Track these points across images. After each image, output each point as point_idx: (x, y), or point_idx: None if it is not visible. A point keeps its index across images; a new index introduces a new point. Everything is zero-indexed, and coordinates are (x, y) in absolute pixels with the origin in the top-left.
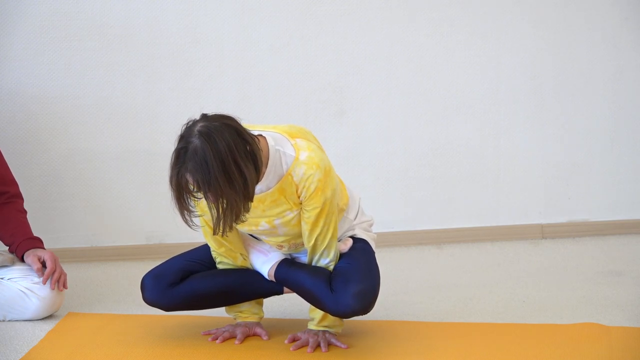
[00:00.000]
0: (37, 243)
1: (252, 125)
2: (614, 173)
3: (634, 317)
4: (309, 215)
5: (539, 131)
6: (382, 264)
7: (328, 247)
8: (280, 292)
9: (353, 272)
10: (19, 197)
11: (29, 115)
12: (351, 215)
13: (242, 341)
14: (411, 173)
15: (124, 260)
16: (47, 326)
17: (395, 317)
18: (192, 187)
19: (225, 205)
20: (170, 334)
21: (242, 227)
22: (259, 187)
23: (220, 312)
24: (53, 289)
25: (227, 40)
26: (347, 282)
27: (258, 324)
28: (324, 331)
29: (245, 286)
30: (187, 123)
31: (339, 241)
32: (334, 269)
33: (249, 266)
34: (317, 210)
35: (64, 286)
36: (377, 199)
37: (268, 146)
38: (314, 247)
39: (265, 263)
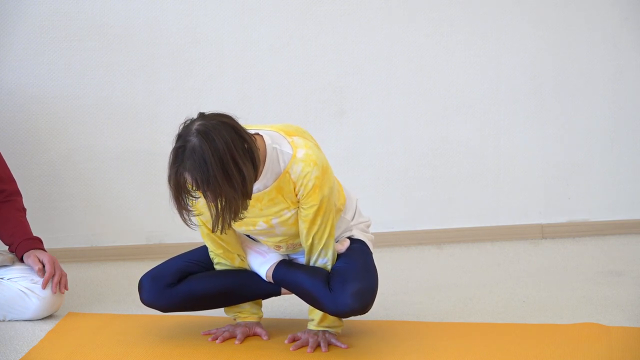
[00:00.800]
0: (37, 243)
1: (248, 124)
2: (614, 173)
3: (634, 317)
4: (306, 213)
5: (539, 131)
6: (382, 264)
7: (325, 246)
8: (279, 293)
9: (351, 271)
10: (17, 194)
11: (28, 115)
12: (348, 216)
13: (242, 341)
14: (411, 173)
15: (124, 260)
16: (47, 326)
17: (395, 317)
18: (190, 186)
19: (224, 203)
20: (170, 334)
21: (240, 227)
22: (256, 186)
23: (219, 312)
24: (55, 293)
25: (227, 40)
26: (345, 281)
27: (258, 323)
28: (323, 331)
29: (243, 287)
30: (185, 122)
31: (336, 242)
32: (332, 269)
33: (247, 267)
34: (315, 208)
35: (65, 288)
36: (377, 199)
37: (265, 144)
38: (312, 246)
39: (263, 264)
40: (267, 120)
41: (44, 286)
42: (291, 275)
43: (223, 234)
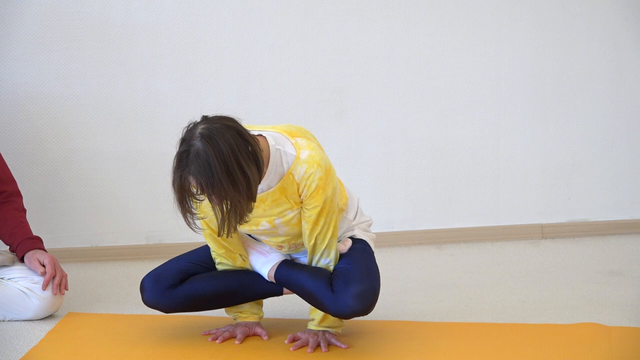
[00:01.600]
0: (37, 243)
1: (251, 125)
2: (614, 173)
3: (634, 317)
4: (309, 214)
5: (539, 131)
6: (382, 264)
7: (328, 246)
8: (280, 293)
9: (353, 272)
10: (17, 195)
11: (28, 115)
12: (350, 216)
13: (242, 341)
14: (411, 173)
15: (124, 260)
16: (47, 326)
17: (395, 317)
18: (194, 189)
19: (229, 207)
20: (170, 334)
21: (243, 228)
22: (260, 187)
23: (220, 312)
24: (55, 294)
25: (227, 40)
26: (347, 282)
27: (258, 324)
28: (324, 331)
29: (245, 288)
30: (188, 126)
31: (338, 242)
32: (334, 269)
33: (249, 267)
34: (318, 209)
35: (65, 288)
36: (377, 199)
37: (268, 146)
38: (314, 247)
39: (265, 264)
40: (267, 121)
41: (45, 287)
42: (293, 276)
43: (229, 237)
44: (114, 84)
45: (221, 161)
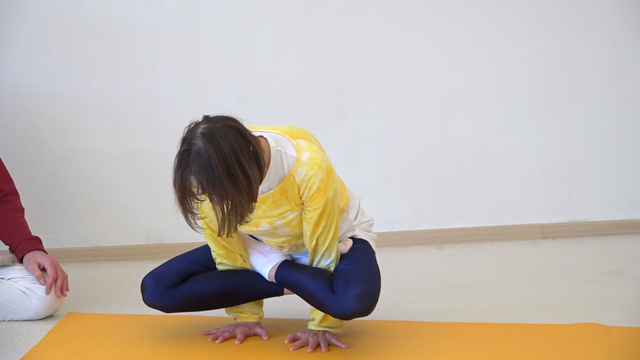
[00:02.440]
0: (37, 243)
1: (252, 126)
2: (614, 173)
3: (634, 317)
4: (310, 216)
5: (539, 131)
6: (382, 264)
7: (329, 247)
8: (281, 294)
9: (354, 273)
10: (14, 194)
11: (28, 115)
12: (351, 216)
13: (242, 341)
14: (411, 173)
15: (124, 260)
16: (47, 326)
17: (395, 317)
18: (195, 189)
19: (229, 207)
20: (170, 334)
21: (243, 228)
22: (260, 188)
23: (220, 312)
24: (58, 296)
25: (227, 40)
26: (348, 283)
27: (258, 324)
28: (324, 331)
29: (245, 288)
30: (189, 125)
31: (339, 242)
32: (335, 270)
33: (249, 267)
34: (319, 210)
35: (66, 289)
36: (377, 199)
37: (269, 147)
38: (315, 248)
39: (265, 264)
40: (267, 121)
41: (48, 291)
42: (293, 276)
43: (229, 237)
44: (114, 84)
45: (222, 161)
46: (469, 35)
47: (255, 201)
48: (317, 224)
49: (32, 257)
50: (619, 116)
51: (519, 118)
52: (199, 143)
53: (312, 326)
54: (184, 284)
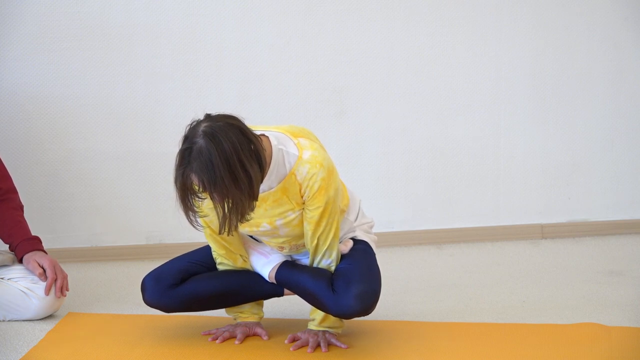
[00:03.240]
0: (36, 244)
1: (253, 125)
2: (614, 173)
3: (634, 317)
4: (311, 215)
5: (539, 131)
6: (382, 264)
7: (330, 247)
8: (281, 294)
9: (355, 273)
10: (13, 192)
11: (28, 115)
12: (352, 217)
13: (242, 341)
14: (411, 173)
15: (124, 260)
16: (47, 326)
17: (395, 317)
18: (197, 187)
19: (230, 205)
20: (170, 334)
21: (244, 228)
22: (261, 187)
23: (220, 312)
24: (58, 297)
25: (227, 40)
26: (348, 283)
27: (258, 324)
28: (324, 331)
29: (245, 288)
30: (191, 124)
31: (339, 242)
32: (336, 270)
33: (249, 268)
34: (320, 209)
35: (66, 289)
36: (377, 199)
37: (271, 146)
38: (316, 248)
39: (265, 265)
40: (268, 121)
41: (47, 292)
42: (294, 276)
43: (230, 235)
44: (114, 84)
45: (223, 159)
46: (469, 35)
47: (257, 199)
48: (318, 223)
49: (31, 256)
50: (619, 116)
51: (519, 118)
52: (200, 141)
53: (312, 326)
54: (184, 284)
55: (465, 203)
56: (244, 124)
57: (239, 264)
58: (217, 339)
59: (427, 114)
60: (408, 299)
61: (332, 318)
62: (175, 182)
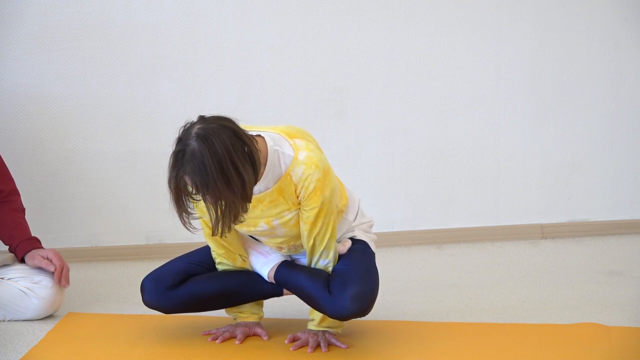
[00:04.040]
0: (36, 243)
1: (250, 125)
2: (614, 173)
3: (634, 317)
4: (307, 215)
5: (539, 131)
6: (382, 264)
7: (327, 247)
8: (280, 294)
9: (351, 274)
10: (15, 194)
11: (28, 115)
12: (350, 217)
13: (242, 341)
14: (411, 173)
15: (124, 260)
16: (47, 326)
17: (395, 317)
18: (190, 189)
19: (223, 207)
20: (170, 334)
21: (241, 228)
22: (257, 188)
23: (220, 312)
24: (64, 286)
25: (227, 40)
26: (345, 284)
27: (258, 324)
28: (324, 331)
29: (245, 288)
30: (185, 125)
31: (338, 242)
32: (333, 270)
33: (249, 267)
34: (316, 210)
35: (67, 281)
36: (377, 199)
37: (267, 146)
38: (313, 248)
39: (265, 265)
40: (267, 121)
41: (57, 279)
42: (292, 277)
43: (223, 236)
44: (114, 84)
45: (216, 161)
46: (469, 35)
47: (250, 202)
48: (314, 224)
49: (34, 253)
50: (619, 116)
51: (519, 118)
52: (193, 143)
53: (312, 326)
54: (184, 284)
55: (465, 203)
56: (237, 126)
57: (239, 264)
58: (217, 339)
59: (427, 114)
60: (408, 299)
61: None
62: (169, 184)
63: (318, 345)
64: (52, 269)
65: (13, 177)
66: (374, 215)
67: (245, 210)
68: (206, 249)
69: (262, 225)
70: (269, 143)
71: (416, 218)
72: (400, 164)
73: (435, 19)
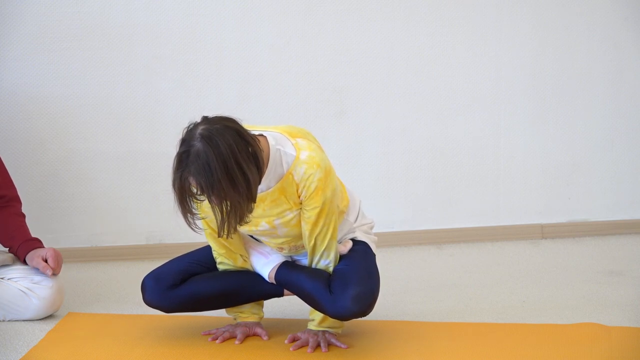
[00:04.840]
0: (37, 244)
1: (252, 125)
2: (614, 173)
3: (634, 317)
4: (309, 215)
5: (539, 131)
6: (382, 264)
7: (328, 247)
8: (281, 294)
9: (352, 274)
10: (16, 200)
11: (28, 115)
12: (351, 218)
13: (242, 341)
14: (411, 173)
15: (124, 260)
16: (47, 326)
17: (395, 317)
18: (195, 189)
19: (229, 208)
20: (170, 334)
21: (243, 228)
22: (259, 187)
23: (220, 312)
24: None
25: (227, 40)
26: (345, 284)
27: (258, 324)
28: (324, 331)
29: (245, 288)
30: (188, 126)
31: (338, 243)
32: (333, 271)
33: (250, 268)
34: (317, 210)
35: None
36: (377, 199)
37: (269, 146)
38: (314, 248)
39: (265, 265)
40: (267, 121)
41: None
42: (293, 277)
43: (229, 238)
44: (114, 84)
45: (221, 162)
46: (469, 35)
47: (255, 202)
48: (315, 223)
49: (34, 253)
50: (619, 116)
51: (519, 118)
52: (197, 144)
53: (312, 326)
54: (184, 284)
55: (465, 203)
56: (241, 126)
57: (239, 264)
58: (217, 339)
59: (427, 114)
60: (408, 299)
61: (331, 318)
62: (173, 185)
63: (318, 346)
64: (49, 274)
65: (12, 176)
66: (374, 215)
67: (250, 211)
68: (207, 249)
69: (264, 224)
70: (271, 142)
71: (416, 218)
72: (400, 164)
73: (435, 19)
